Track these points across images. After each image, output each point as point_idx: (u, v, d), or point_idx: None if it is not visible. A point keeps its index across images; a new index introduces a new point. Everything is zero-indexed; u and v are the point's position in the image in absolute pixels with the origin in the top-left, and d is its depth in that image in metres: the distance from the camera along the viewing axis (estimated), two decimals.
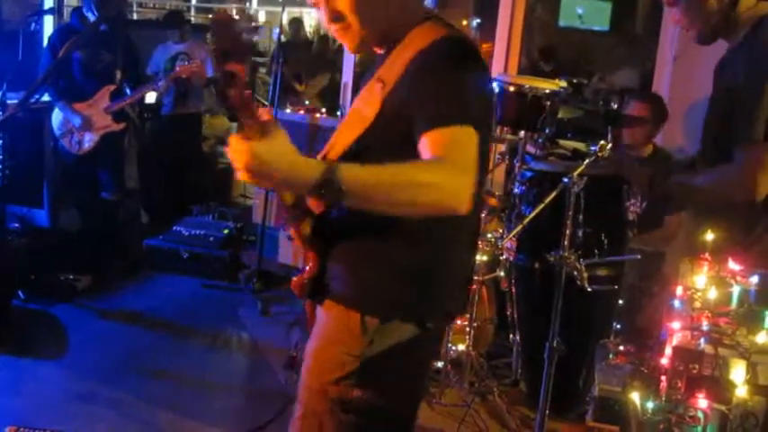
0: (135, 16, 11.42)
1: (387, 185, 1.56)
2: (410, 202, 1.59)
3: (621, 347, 3.20)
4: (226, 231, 5.88)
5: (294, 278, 1.96)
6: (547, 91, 3.75)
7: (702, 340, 1.95)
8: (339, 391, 1.85)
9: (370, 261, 1.85)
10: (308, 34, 11.83)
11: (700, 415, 1.86)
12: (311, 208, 1.86)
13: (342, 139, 1.86)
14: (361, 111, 1.84)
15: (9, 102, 4.64)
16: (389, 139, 1.75)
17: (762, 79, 2.38)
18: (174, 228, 5.88)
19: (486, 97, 1.85)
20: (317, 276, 1.91)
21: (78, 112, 5.37)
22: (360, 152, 1.77)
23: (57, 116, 5.44)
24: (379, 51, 1.93)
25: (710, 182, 2.62)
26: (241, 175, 1.52)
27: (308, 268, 1.92)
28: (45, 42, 5.86)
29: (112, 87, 5.44)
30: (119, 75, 5.47)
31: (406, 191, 1.57)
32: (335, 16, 1.83)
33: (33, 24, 5.54)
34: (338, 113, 6.10)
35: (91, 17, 5.23)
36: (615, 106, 4.59)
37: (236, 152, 1.50)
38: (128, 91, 5.53)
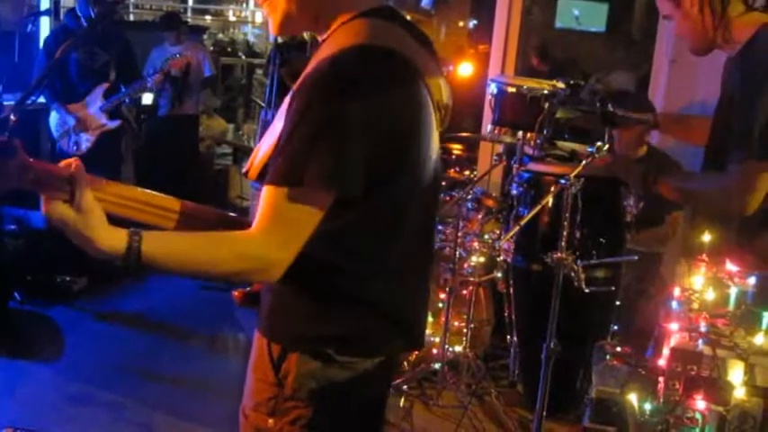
0: (131, 18, 11.40)
1: (189, 269, 1.57)
2: (211, 276, 1.67)
3: (619, 349, 3.20)
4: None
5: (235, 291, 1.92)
6: (545, 92, 3.75)
7: (700, 341, 1.95)
8: (256, 419, 1.76)
9: (280, 283, 1.62)
10: (304, 35, 11.81)
11: (698, 416, 1.85)
12: None
13: (259, 152, 1.66)
14: (279, 121, 1.63)
15: (5, 103, 4.64)
16: None
17: (756, 94, 2.37)
18: None
19: (379, 142, 1.53)
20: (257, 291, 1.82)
21: (73, 112, 5.36)
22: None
23: (54, 118, 5.43)
24: (320, 37, 1.71)
25: (703, 190, 2.62)
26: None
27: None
28: (41, 44, 5.86)
29: (106, 86, 5.43)
30: (113, 75, 5.46)
31: (211, 273, 1.59)
32: None
33: (30, 26, 5.54)
34: None
35: (83, 17, 5.21)
36: (612, 108, 4.59)
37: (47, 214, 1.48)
38: (123, 89, 5.52)
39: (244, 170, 1.73)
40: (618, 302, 3.85)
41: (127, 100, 5.70)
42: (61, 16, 6.80)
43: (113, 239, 1.48)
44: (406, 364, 4.00)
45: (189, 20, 11.79)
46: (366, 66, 1.54)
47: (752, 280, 2.18)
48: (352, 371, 1.68)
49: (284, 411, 1.70)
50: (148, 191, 1.68)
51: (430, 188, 1.73)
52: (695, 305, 2.17)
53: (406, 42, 1.63)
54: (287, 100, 1.60)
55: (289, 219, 1.52)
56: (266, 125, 5.49)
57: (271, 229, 1.52)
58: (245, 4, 16.36)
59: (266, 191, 1.53)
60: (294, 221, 1.52)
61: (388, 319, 1.70)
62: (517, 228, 3.35)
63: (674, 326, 2.03)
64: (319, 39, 1.70)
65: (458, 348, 3.98)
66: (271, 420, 1.72)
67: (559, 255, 3.04)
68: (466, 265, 3.97)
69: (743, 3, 2.49)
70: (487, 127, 3.86)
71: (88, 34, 5.26)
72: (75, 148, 5.44)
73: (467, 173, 4.22)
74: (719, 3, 2.47)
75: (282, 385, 1.69)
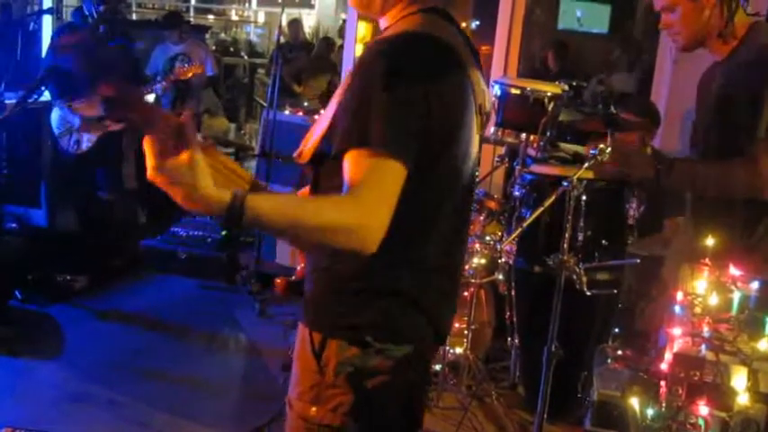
0: (134, 17, 11.41)
1: (291, 227, 1.49)
2: (314, 244, 1.55)
3: (620, 352, 3.19)
4: (223, 232, 5.87)
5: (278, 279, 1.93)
6: (549, 94, 3.74)
7: (703, 347, 1.95)
8: (300, 407, 1.78)
9: (316, 273, 1.77)
10: (306, 35, 11.83)
11: (700, 422, 1.85)
12: None
13: (312, 136, 1.73)
14: (330, 107, 1.71)
15: (7, 101, 4.63)
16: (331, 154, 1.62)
17: (763, 80, 2.41)
18: (172, 228, 5.87)
19: (418, 115, 1.57)
20: (301, 280, 1.86)
21: (77, 111, 5.36)
22: (324, 152, 1.65)
23: (56, 115, 5.42)
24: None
25: (717, 174, 2.61)
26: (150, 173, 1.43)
27: (299, 267, 1.89)
28: (43, 42, 5.86)
29: None
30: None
31: (309, 234, 1.49)
32: None
33: (32, 24, 5.54)
34: None
35: (90, 15, 5.21)
36: (614, 110, 4.58)
37: (151, 164, 1.41)
38: None
39: (295, 154, 1.74)
40: (619, 305, 3.85)
41: None
42: (64, 14, 6.81)
43: (219, 192, 1.43)
44: None
45: (191, 19, 11.81)
46: (426, 49, 1.62)
47: (755, 285, 2.18)
48: (388, 357, 1.73)
49: (326, 399, 1.74)
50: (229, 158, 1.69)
51: (466, 190, 1.80)
52: (698, 310, 2.17)
53: (459, 43, 1.73)
54: (347, 78, 1.66)
55: (377, 180, 1.52)
56: (268, 125, 5.50)
57: (365, 192, 1.51)
58: (247, 4, 16.38)
59: (350, 156, 1.53)
60: (382, 183, 1.52)
61: (418, 310, 1.75)
62: (519, 230, 3.34)
63: (676, 331, 2.03)
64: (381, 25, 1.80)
65: (458, 350, 3.96)
66: (314, 408, 1.76)
67: (561, 257, 3.03)
68: (467, 267, 3.96)
69: (745, 12, 2.55)
70: (490, 128, 3.84)
71: (92, 33, 5.27)
72: (75, 146, 5.43)
73: None
74: (736, 3, 2.51)
75: (324, 373, 1.73)
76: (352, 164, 1.52)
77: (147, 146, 1.40)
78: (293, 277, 1.90)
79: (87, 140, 5.43)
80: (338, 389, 1.73)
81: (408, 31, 1.64)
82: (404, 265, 1.71)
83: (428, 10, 1.72)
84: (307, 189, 1.85)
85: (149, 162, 1.41)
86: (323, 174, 1.71)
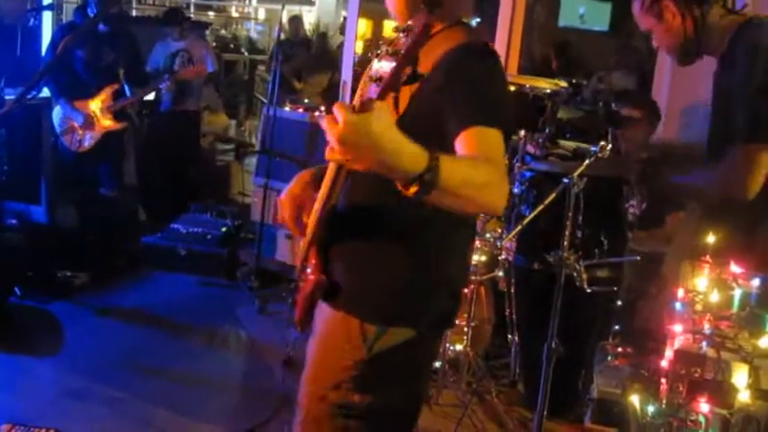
0: (134, 13, 11.40)
1: (469, 184, 1.54)
2: (473, 202, 1.58)
3: (620, 349, 3.19)
4: (224, 229, 5.87)
5: (301, 283, 1.95)
6: (548, 91, 3.74)
7: (704, 344, 1.95)
8: (339, 396, 1.85)
9: (367, 265, 1.86)
10: (307, 32, 11.82)
11: (701, 419, 1.85)
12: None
13: None
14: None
15: (7, 98, 4.63)
16: (416, 135, 1.62)
17: (748, 80, 2.40)
18: (172, 225, 5.87)
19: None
20: (323, 274, 1.90)
21: (80, 110, 5.35)
22: None
23: (58, 113, 5.42)
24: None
25: (702, 180, 2.62)
26: (331, 151, 1.41)
27: (311, 267, 1.91)
28: (43, 38, 5.85)
29: (116, 86, 5.43)
30: (121, 73, 5.46)
31: (475, 191, 1.56)
32: None
33: (32, 20, 5.53)
34: None
35: (93, 14, 5.21)
36: (615, 107, 4.58)
37: (339, 123, 1.37)
38: (127, 89, 5.52)
39: None
40: (619, 302, 3.84)
41: (135, 102, 5.77)
42: (64, 11, 6.80)
43: (414, 156, 1.45)
44: None
45: (192, 15, 11.79)
46: (496, 54, 1.84)
47: (756, 282, 2.17)
48: (431, 343, 1.96)
49: (372, 386, 1.85)
50: None
51: None
52: (699, 307, 2.17)
53: None
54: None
55: (501, 154, 1.69)
56: (269, 121, 5.50)
57: (497, 162, 1.65)
58: (247, 1, 16.36)
59: (474, 131, 1.66)
60: (502, 156, 1.70)
61: (455, 297, 1.95)
62: (519, 227, 3.34)
63: (677, 327, 2.02)
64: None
65: (458, 347, 3.96)
66: (357, 396, 1.85)
67: (561, 254, 3.02)
68: None
69: (722, 7, 2.52)
70: None
71: (93, 31, 5.26)
72: (77, 144, 5.43)
73: None
74: (699, 10, 2.50)
75: (374, 361, 1.83)
76: (481, 138, 1.66)
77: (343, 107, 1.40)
78: (316, 277, 1.89)
79: (89, 138, 5.43)
80: (383, 377, 1.85)
81: (474, 41, 1.82)
82: (451, 251, 1.89)
83: (461, 23, 1.89)
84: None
85: (344, 128, 1.37)
86: None
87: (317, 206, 1.87)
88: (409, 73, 1.69)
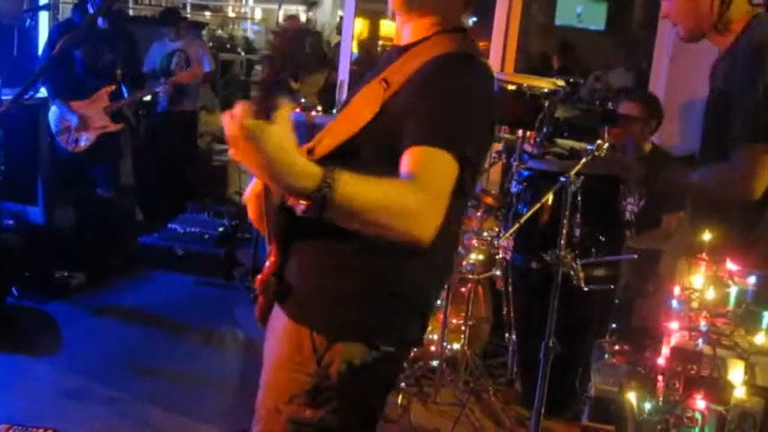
0: (131, 13, 11.38)
1: (372, 208, 1.47)
2: (385, 228, 1.51)
3: (617, 347, 3.19)
4: (221, 229, 5.86)
5: (258, 276, 1.84)
6: (545, 90, 3.75)
7: (700, 341, 1.95)
8: (292, 410, 1.76)
9: (319, 270, 1.76)
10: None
11: (697, 416, 1.85)
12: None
13: (333, 135, 1.74)
14: (357, 109, 1.74)
15: (4, 98, 4.62)
16: (382, 143, 1.65)
17: (755, 78, 2.39)
18: (169, 225, 5.87)
19: (486, 132, 1.76)
20: (278, 274, 1.80)
21: (76, 110, 5.35)
22: (350, 152, 1.68)
23: (54, 113, 5.41)
24: (400, 41, 1.85)
25: (706, 181, 2.62)
26: (230, 150, 1.43)
27: (268, 263, 1.81)
28: (40, 39, 5.84)
29: (112, 87, 5.43)
30: (119, 74, 5.46)
31: (384, 216, 1.49)
32: None
33: (29, 20, 5.52)
34: (334, 111, 6.10)
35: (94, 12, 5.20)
36: (612, 106, 4.59)
37: (239, 125, 1.38)
38: (124, 90, 5.52)
39: (305, 148, 1.72)
40: (616, 301, 3.85)
41: (132, 103, 5.79)
42: (60, 11, 6.79)
43: (306, 173, 1.42)
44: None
45: (188, 15, 11.79)
46: (483, 70, 1.75)
47: (752, 279, 2.18)
48: (388, 359, 1.77)
49: (323, 401, 1.75)
50: None
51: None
52: (695, 304, 2.17)
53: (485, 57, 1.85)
54: (373, 90, 1.73)
55: (441, 178, 1.58)
56: None
57: (431, 186, 1.55)
58: (244, 1, 16.35)
59: (416, 151, 1.57)
60: (444, 181, 1.58)
61: (418, 312, 1.82)
62: (516, 225, 3.35)
63: (674, 325, 2.03)
64: (401, 42, 1.84)
65: (456, 346, 3.97)
66: (308, 411, 1.75)
67: (558, 253, 3.03)
68: (465, 263, 3.97)
69: (748, 2, 2.50)
70: None
71: (92, 30, 5.25)
72: (73, 144, 5.43)
73: None
74: None
75: (325, 375, 1.73)
76: (423, 158, 1.57)
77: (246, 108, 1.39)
78: (265, 274, 1.82)
79: (86, 139, 5.42)
80: (337, 391, 1.73)
81: (459, 51, 1.72)
82: (418, 265, 1.74)
83: (456, 30, 1.79)
84: None
85: (242, 130, 1.37)
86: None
87: (275, 201, 1.78)
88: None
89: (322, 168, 1.43)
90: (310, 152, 1.72)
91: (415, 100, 1.65)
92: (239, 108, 1.39)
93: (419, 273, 1.76)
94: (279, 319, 1.84)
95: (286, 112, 1.42)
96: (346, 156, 1.66)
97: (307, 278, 1.77)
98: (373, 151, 1.68)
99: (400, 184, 1.54)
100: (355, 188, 1.45)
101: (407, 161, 1.57)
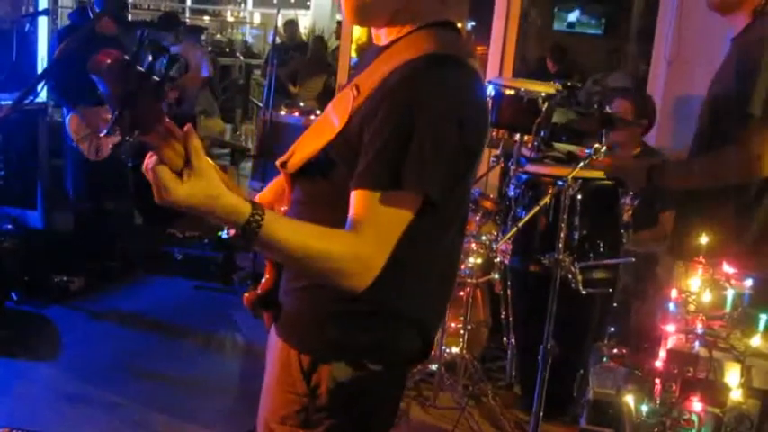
0: (129, 18, 11.40)
1: (295, 256, 1.45)
2: (311, 274, 1.51)
3: (615, 350, 3.20)
4: (220, 233, 5.86)
5: (246, 293, 1.78)
6: (543, 94, 3.75)
7: (697, 343, 1.96)
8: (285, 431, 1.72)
9: (296, 293, 1.67)
10: (302, 36, 11.84)
11: (694, 418, 1.86)
12: None
13: (305, 146, 1.66)
14: (330, 118, 1.62)
15: (3, 103, 4.62)
16: (351, 157, 1.54)
17: (758, 57, 2.41)
18: (168, 229, 5.87)
19: (459, 160, 1.55)
20: (270, 291, 1.74)
21: (93, 119, 5.18)
22: (324, 163, 1.60)
23: (73, 120, 5.25)
24: (379, 42, 1.69)
25: (709, 166, 2.62)
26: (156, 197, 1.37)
27: (264, 280, 1.75)
28: (39, 44, 5.84)
29: None
30: None
31: (308, 264, 1.46)
32: None
33: (28, 26, 5.53)
34: None
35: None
36: (610, 110, 4.60)
37: (159, 188, 1.34)
38: None
39: (279, 162, 1.69)
40: (614, 304, 3.86)
41: None
42: (59, 16, 6.80)
43: (236, 212, 1.40)
44: None
45: (187, 20, 11.81)
46: (457, 76, 1.54)
47: (748, 282, 2.19)
48: (380, 379, 1.68)
49: (316, 422, 1.68)
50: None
51: (468, 205, 1.77)
52: (692, 307, 2.18)
53: (475, 59, 1.65)
54: (344, 98, 1.60)
55: (384, 223, 1.48)
56: (264, 126, 5.50)
57: (369, 233, 1.47)
58: (242, 5, 16.38)
59: (360, 195, 1.49)
60: (389, 225, 1.49)
61: (414, 329, 1.70)
62: (515, 229, 3.35)
63: (670, 327, 2.04)
64: (380, 42, 1.69)
65: (455, 350, 3.97)
66: None
67: (557, 256, 3.04)
68: (463, 267, 3.97)
69: None
70: None
71: (94, 34, 5.22)
72: (95, 153, 5.31)
73: None
74: None
75: (314, 396, 1.66)
76: (365, 204, 1.48)
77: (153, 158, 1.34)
78: (259, 291, 1.76)
79: (109, 146, 5.26)
80: (329, 411, 1.67)
81: (432, 54, 1.54)
82: (405, 283, 1.63)
83: (435, 24, 1.62)
84: (272, 184, 1.85)
85: (162, 176, 1.33)
86: (308, 184, 1.66)
87: None
88: None
89: (249, 206, 1.40)
90: (283, 166, 1.67)
91: (370, 123, 1.50)
92: (151, 162, 1.35)
93: (403, 287, 1.63)
94: (274, 337, 1.78)
95: (199, 148, 1.38)
96: (316, 171, 1.61)
97: (289, 298, 1.71)
98: (344, 163, 1.56)
99: (332, 234, 1.47)
100: (279, 232, 1.42)
101: (351, 204, 1.49)
